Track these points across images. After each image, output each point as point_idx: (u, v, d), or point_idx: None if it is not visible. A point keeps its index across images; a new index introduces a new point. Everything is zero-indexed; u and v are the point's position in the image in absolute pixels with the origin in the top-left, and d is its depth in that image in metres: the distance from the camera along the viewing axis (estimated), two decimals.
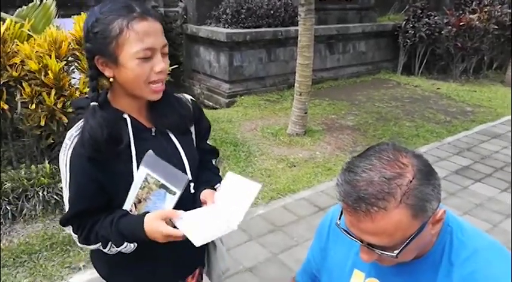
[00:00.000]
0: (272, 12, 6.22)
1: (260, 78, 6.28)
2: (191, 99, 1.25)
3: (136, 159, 1.06)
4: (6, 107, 2.80)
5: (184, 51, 6.73)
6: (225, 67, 5.97)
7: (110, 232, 1.05)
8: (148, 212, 1.05)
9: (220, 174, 1.32)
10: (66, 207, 1.07)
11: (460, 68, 7.55)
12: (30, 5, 3.59)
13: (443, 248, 0.89)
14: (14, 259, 2.48)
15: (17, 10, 3.60)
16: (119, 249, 1.08)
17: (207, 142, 1.33)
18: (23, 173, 2.83)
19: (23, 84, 2.77)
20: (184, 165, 1.14)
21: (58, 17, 3.67)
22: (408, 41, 7.37)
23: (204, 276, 1.42)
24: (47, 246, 2.58)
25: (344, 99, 6.07)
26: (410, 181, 0.76)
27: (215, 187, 1.22)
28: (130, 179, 1.06)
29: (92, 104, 1.03)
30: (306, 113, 4.55)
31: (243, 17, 5.99)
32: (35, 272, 2.40)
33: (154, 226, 1.01)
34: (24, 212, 2.74)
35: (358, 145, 4.47)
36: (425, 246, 0.88)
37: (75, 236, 1.11)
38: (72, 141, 1.03)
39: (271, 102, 5.84)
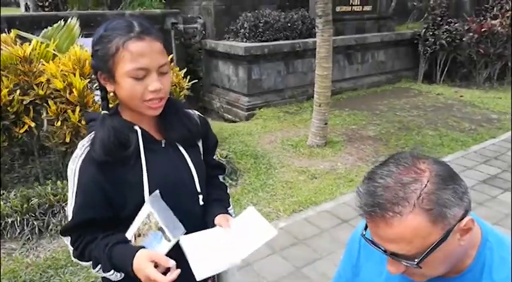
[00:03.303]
0: (289, 25, 6.26)
1: (279, 90, 6.30)
2: (199, 115, 1.27)
3: (147, 169, 1.07)
4: (33, 124, 2.89)
5: (204, 66, 6.82)
6: (244, 80, 6.01)
7: (101, 255, 1.05)
8: (144, 247, 1.04)
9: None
10: (70, 217, 1.08)
11: (483, 74, 7.38)
12: (55, 25, 3.72)
13: (483, 264, 0.85)
14: (40, 274, 2.52)
15: (43, 31, 3.73)
16: (105, 274, 1.07)
17: (214, 157, 1.34)
18: (49, 189, 2.90)
19: (49, 102, 2.86)
20: (193, 176, 1.16)
21: (81, 37, 3.78)
22: (428, 49, 7.27)
23: None
24: (72, 261, 2.60)
25: (364, 109, 6.00)
26: (425, 185, 0.74)
27: (228, 210, 1.25)
28: (139, 190, 1.06)
29: (102, 113, 1.09)
30: (326, 124, 4.52)
31: (261, 30, 6.04)
32: None
33: (142, 265, 0.99)
34: (50, 227, 2.80)
35: (381, 155, 4.39)
36: (460, 261, 0.84)
37: (71, 249, 1.10)
38: (83, 152, 1.06)
39: (290, 114, 5.83)
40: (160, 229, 0.99)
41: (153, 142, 1.12)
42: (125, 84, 1.01)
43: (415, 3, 8.65)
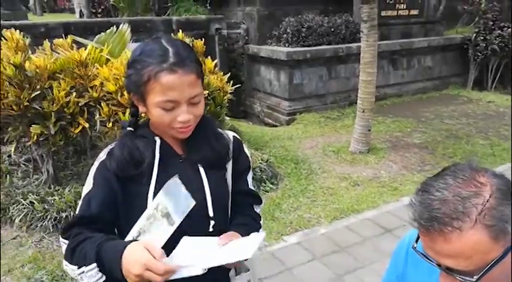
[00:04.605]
0: (333, 29, 6.21)
1: (320, 95, 6.25)
2: (234, 136, 1.23)
3: (157, 180, 1.05)
4: (87, 125, 3.04)
5: (246, 71, 6.90)
6: (285, 85, 6.02)
7: (91, 248, 0.96)
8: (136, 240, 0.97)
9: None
10: (73, 218, 1.08)
11: None
12: (108, 31, 3.90)
13: None
14: None
15: (96, 36, 3.93)
16: (81, 270, 0.96)
17: (250, 186, 1.24)
18: None
19: (102, 104, 3.00)
20: (206, 199, 1.09)
21: (132, 42, 3.94)
22: (479, 54, 6.96)
23: None
24: None
25: (409, 116, 5.83)
26: (487, 200, 0.71)
27: (251, 234, 1.10)
28: (144, 201, 1.04)
29: (128, 129, 1.12)
30: (369, 130, 4.43)
31: (304, 35, 6.04)
32: None
33: (136, 253, 0.89)
34: None
35: (427, 164, 4.25)
36: None
37: (64, 246, 1.03)
38: (104, 155, 1.10)
39: (332, 119, 5.77)
40: (166, 215, 0.95)
41: (172, 155, 1.11)
42: (154, 112, 1.02)
43: (465, 7, 8.29)
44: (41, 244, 2.86)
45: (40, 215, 2.89)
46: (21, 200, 2.97)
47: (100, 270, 0.95)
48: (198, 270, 0.90)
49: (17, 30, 3.30)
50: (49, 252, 2.79)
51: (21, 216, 2.91)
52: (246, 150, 1.24)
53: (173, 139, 1.11)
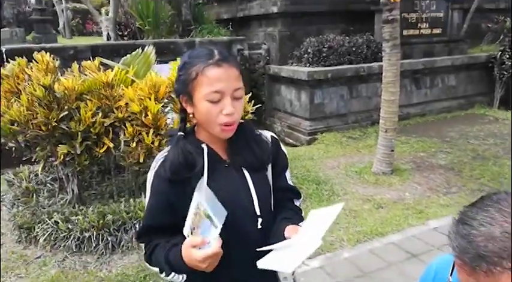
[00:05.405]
0: (354, 49, 6.21)
1: (342, 115, 6.21)
2: (271, 136, 1.30)
3: (207, 186, 1.12)
4: (111, 145, 3.10)
5: (266, 91, 6.94)
6: (306, 105, 6.02)
7: (162, 260, 1.11)
8: None
9: (303, 215, 1.29)
10: (141, 226, 1.20)
11: None
12: (133, 53, 4.02)
13: None
14: None
15: (122, 58, 4.04)
16: (169, 278, 1.12)
17: (289, 182, 1.32)
18: (122, 206, 3.07)
19: (126, 124, 3.06)
20: (252, 199, 1.18)
21: (156, 63, 4.04)
22: (505, 72, 6.81)
23: None
24: (141, 277, 2.72)
25: (434, 136, 5.70)
26: None
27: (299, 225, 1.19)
28: None
29: (179, 134, 1.18)
30: (392, 150, 4.35)
31: (324, 55, 6.05)
32: None
33: (189, 254, 1.01)
34: (122, 244, 2.95)
35: (453, 186, 4.12)
36: None
37: (143, 253, 1.19)
38: (157, 164, 1.17)
39: (353, 139, 5.70)
40: (208, 217, 1.01)
41: (218, 161, 1.18)
42: (201, 106, 1.10)
43: (489, 25, 8.18)
44: (63, 264, 2.89)
45: (64, 234, 2.94)
46: (47, 219, 3.02)
47: (177, 273, 1.10)
48: (317, 244, 1.00)
49: (47, 53, 3.44)
50: (71, 272, 2.81)
51: (45, 236, 2.96)
52: (283, 148, 1.33)
53: (217, 145, 1.20)
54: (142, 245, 1.21)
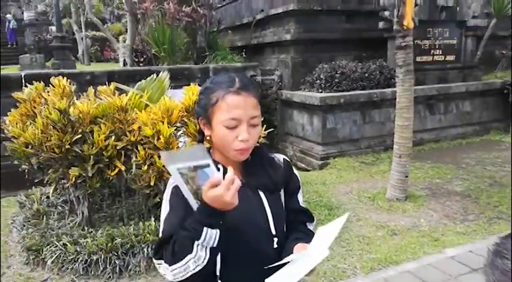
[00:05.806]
0: (367, 75, 6.23)
1: (354, 140, 6.17)
2: (284, 159, 1.33)
3: None
4: (123, 168, 3.11)
5: (279, 115, 6.97)
6: (318, 129, 6.00)
7: (189, 229, 1.04)
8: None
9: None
10: (160, 238, 1.13)
11: None
12: (148, 78, 4.10)
13: None
14: None
15: (137, 83, 4.12)
16: (200, 240, 1.03)
17: (301, 204, 1.33)
18: (132, 229, 3.05)
19: (139, 147, 3.08)
20: (268, 219, 1.20)
21: (170, 88, 4.10)
22: None
23: None
24: None
25: (449, 162, 5.59)
26: None
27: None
28: None
29: None
30: (406, 176, 4.27)
31: (337, 81, 6.08)
32: None
33: (212, 196, 0.99)
34: (129, 268, 2.90)
35: (470, 213, 3.99)
36: None
37: (160, 263, 1.09)
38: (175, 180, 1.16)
39: (366, 164, 5.63)
40: (196, 168, 1.00)
41: None
42: (218, 131, 1.14)
43: (503, 52, 8.16)
44: None
45: (72, 257, 2.91)
46: (55, 241, 3.02)
47: (206, 226, 1.04)
48: (325, 253, 1.06)
49: (65, 78, 3.53)
50: None
51: (53, 258, 2.94)
52: (295, 171, 1.35)
53: (233, 167, 1.19)
54: (158, 263, 1.11)
